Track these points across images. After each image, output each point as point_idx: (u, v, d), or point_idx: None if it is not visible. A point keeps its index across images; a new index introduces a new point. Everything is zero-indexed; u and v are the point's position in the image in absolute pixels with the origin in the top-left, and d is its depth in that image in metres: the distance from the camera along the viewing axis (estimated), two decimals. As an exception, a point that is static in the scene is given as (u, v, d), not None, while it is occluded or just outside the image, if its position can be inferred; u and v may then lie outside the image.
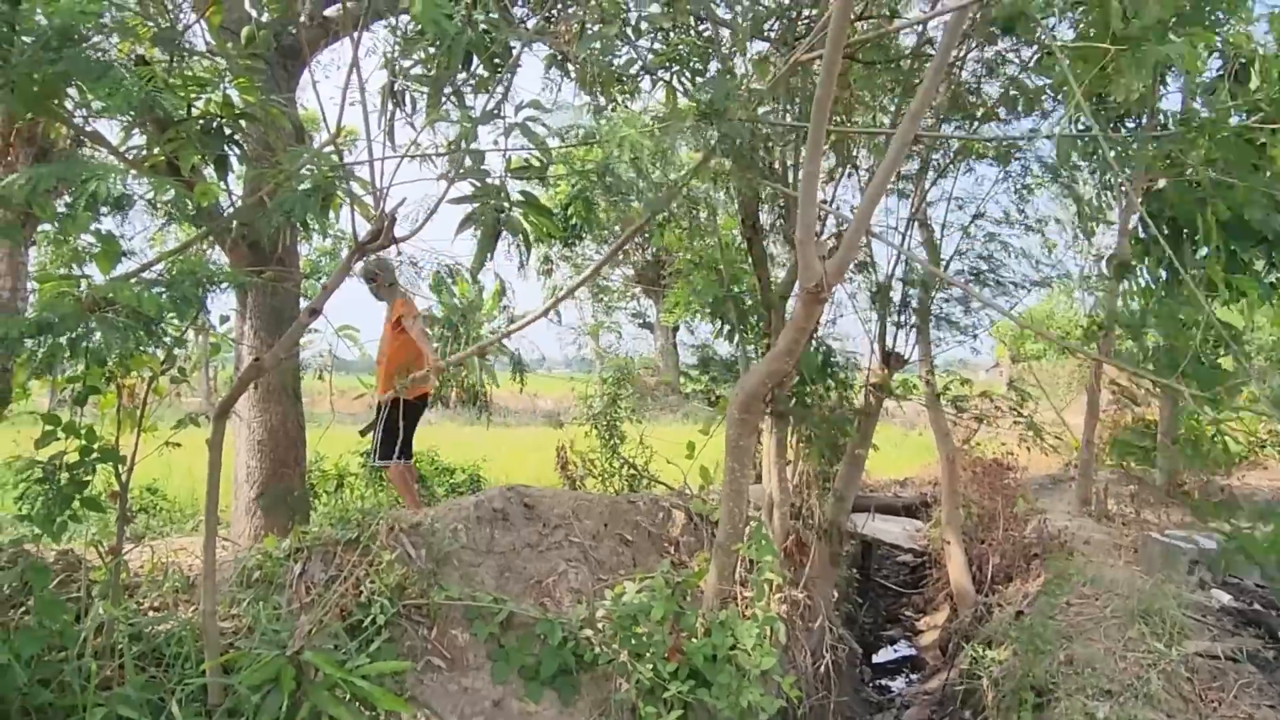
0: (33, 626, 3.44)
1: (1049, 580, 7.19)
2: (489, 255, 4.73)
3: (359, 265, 7.37)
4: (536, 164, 4.82)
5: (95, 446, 3.66)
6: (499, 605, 5.17)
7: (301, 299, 7.62)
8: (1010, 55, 6.76)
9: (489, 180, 4.63)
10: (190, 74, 6.36)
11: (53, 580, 3.99)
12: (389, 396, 6.32)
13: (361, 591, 5.00)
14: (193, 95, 6.56)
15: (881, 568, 11.62)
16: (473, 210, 4.64)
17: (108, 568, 4.14)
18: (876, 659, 9.47)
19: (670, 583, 5.23)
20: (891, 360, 7.74)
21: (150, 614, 4.55)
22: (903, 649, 9.61)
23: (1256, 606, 6.60)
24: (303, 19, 7.06)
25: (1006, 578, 8.40)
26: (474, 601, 5.16)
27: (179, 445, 4.23)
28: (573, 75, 6.22)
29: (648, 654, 4.93)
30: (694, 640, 5.02)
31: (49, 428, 3.43)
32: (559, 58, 6.25)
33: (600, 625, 5.15)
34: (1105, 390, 10.34)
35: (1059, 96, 6.04)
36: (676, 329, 27.82)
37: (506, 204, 4.67)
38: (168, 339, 4.15)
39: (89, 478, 3.71)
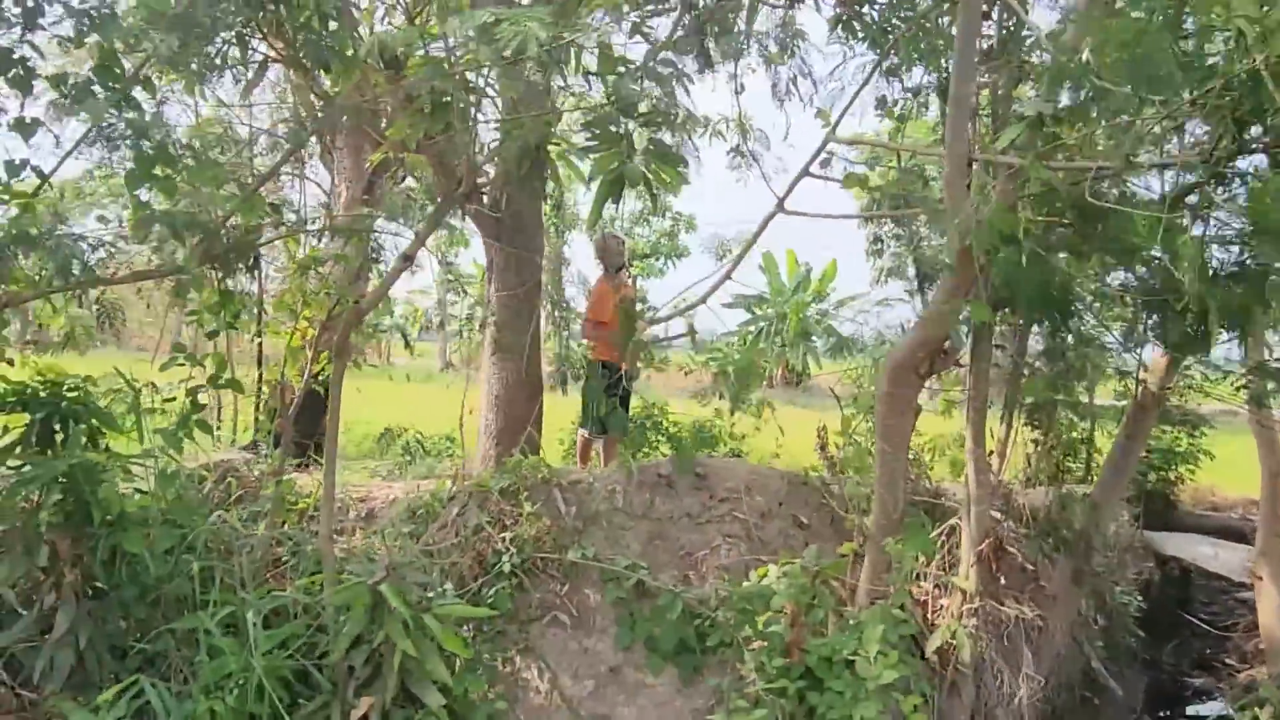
0: (168, 524, 4.03)
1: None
2: (613, 202, 4.57)
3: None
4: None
5: (223, 376, 4.16)
6: (632, 572, 5.04)
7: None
8: None
9: (612, 128, 4.46)
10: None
11: (204, 487, 4.69)
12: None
13: (504, 539, 5.16)
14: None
15: (1213, 602, 9.46)
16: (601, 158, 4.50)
17: (274, 489, 4.71)
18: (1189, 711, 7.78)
19: (809, 571, 4.69)
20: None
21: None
22: (1218, 707, 7.74)
23: None
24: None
25: (1354, 635, 6.38)
26: (605, 564, 5.08)
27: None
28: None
29: (765, 644, 4.49)
30: (822, 636, 4.48)
31: (175, 355, 3.98)
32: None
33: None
34: None
35: None
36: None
37: (631, 151, 4.47)
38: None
39: (206, 402, 4.23)
